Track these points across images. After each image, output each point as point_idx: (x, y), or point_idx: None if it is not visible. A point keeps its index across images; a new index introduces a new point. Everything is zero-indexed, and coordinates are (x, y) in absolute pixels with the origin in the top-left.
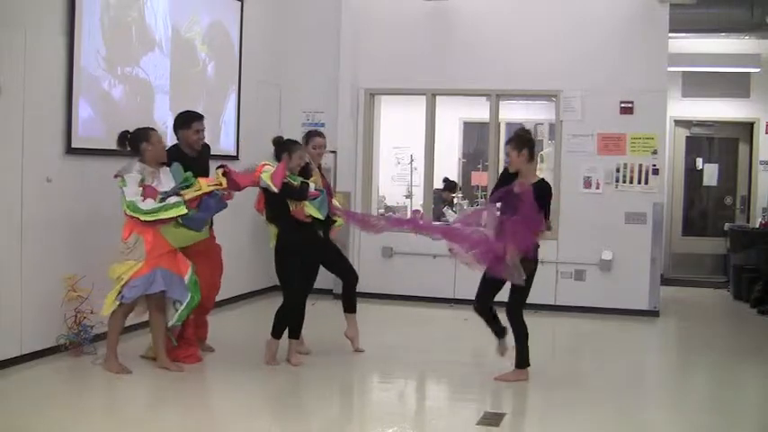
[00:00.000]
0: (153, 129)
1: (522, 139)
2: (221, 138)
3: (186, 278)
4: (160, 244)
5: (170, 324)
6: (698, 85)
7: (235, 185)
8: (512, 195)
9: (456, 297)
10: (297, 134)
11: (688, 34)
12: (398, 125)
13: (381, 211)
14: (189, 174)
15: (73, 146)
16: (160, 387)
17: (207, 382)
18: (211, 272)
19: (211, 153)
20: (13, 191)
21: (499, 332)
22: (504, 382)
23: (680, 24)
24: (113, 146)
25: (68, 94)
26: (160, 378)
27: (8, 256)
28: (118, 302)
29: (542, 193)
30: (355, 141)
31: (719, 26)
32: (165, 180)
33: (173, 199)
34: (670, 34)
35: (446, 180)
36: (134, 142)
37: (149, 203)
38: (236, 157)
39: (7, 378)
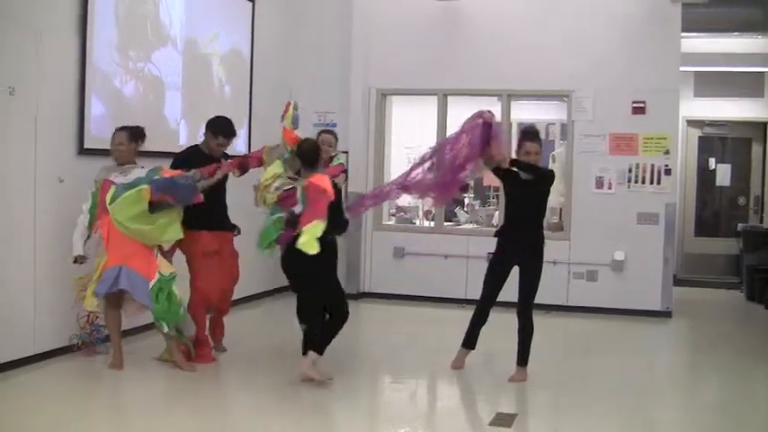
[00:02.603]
0: (118, 129)
1: (539, 137)
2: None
3: (150, 284)
4: (117, 236)
5: (164, 330)
6: (710, 84)
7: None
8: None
9: (467, 297)
10: (308, 134)
11: (700, 34)
12: (410, 125)
13: (393, 211)
14: (159, 166)
15: (85, 146)
16: (169, 387)
17: (218, 382)
18: (226, 277)
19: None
20: (26, 191)
21: (473, 343)
22: (515, 383)
23: (692, 24)
24: None
25: (81, 94)
26: (170, 379)
27: (21, 256)
28: (96, 302)
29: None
30: (367, 141)
31: (732, 25)
32: (134, 177)
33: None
34: (682, 34)
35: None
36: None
37: (77, 229)
38: None
39: (20, 377)
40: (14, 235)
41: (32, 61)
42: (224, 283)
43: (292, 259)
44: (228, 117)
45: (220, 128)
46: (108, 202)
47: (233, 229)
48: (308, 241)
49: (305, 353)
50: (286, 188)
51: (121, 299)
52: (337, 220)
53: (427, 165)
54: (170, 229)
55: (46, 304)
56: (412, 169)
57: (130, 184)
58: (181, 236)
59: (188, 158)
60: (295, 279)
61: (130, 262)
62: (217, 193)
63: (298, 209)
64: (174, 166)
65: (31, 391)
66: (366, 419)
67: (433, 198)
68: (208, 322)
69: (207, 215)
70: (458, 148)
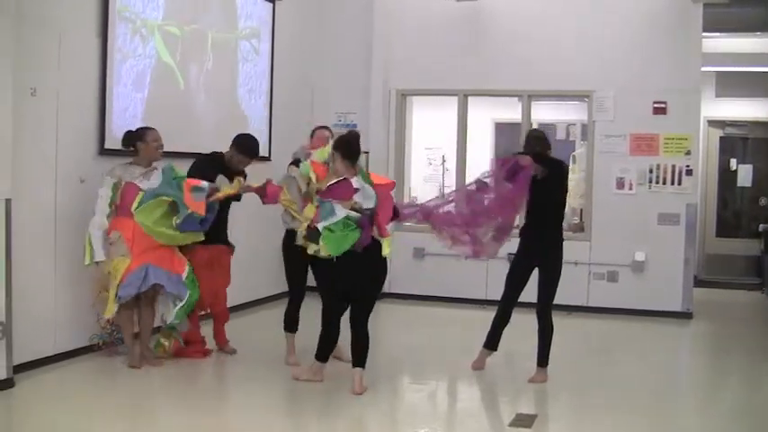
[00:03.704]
0: (151, 128)
1: (536, 142)
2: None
3: (184, 275)
4: (142, 238)
5: (169, 321)
6: (732, 84)
7: (264, 193)
8: (517, 166)
9: (487, 298)
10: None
11: (722, 34)
12: (430, 126)
13: None
14: (181, 172)
15: (106, 146)
16: (188, 387)
17: (238, 383)
18: (219, 281)
19: None
20: (47, 192)
21: (495, 344)
22: (535, 384)
23: (713, 24)
24: None
25: (101, 95)
26: (189, 379)
27: (42, 257)
28: (117, 304)
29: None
30: (387, 142)
31: (754, 25)
32: (155, 181)
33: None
34: (704, 34)
35: (478, 181)
36: (132, 141)
37: (96, 232)
38: (267, 158)
39: (39, 377)
40: (35, 235)
41: (54, 62)
42: (217, 287)
43: (374, 262)
44: (256, 138)
45: (244, 147)
46: (134, 207)
47: (228, 244)
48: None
49: (319, 357)
50: (331, 183)
51: (138, 302)
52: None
53: (460, 218)
54: (191, 232)
55: (66, 304)
56: (445, 204)
57: (156, 194)
58: (201, 238)
59: (206, 167)
60: (373, 282)
61: (155, 260)
62: (222, 208)
63: (367, 203)
64: (192, 171)
65: (51, 391)
66: (386, 420)
67: (471, 252)
68: (212, 329)
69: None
70: (497, 205)
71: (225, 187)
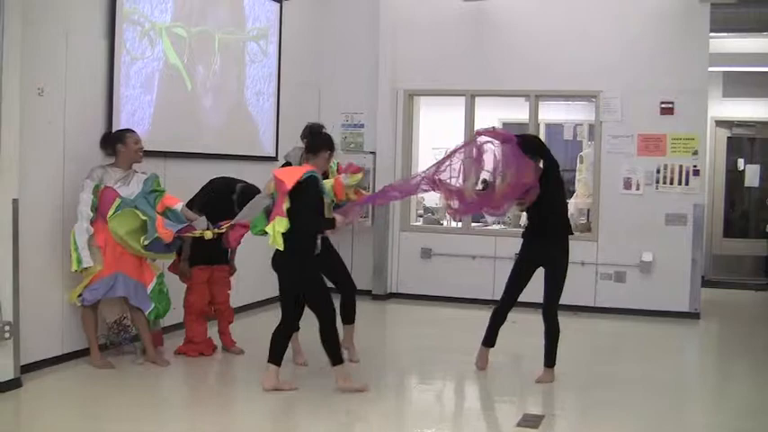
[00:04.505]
0: (131, 130)
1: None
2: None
3: (149, 288)
4: (113, 246)
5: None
6: (739, 84)
7: (227, 240)
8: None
9: (494, 298)
10: (336, 135)
11: (729, 33)
12: (437, 126)
13: (420, 212)
14: (161, 188)
15: None
16: (199, 387)
17: (244, 384)
18: (216, 288)
19: (250, 154)
20: (55, 192)
21: (493, 341)
22: (542, 384)
23: (720, 24)
24: (151, 147)
25: (108, 95)
26: (198, 378)
27: (50, 257)
28: (79, 303)
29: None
30: (394, 142)
31: (761, 25)
32: (134, 186)
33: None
34: (711, 34)
35: (484, 181)
36: (111, 143)
37: (82, 238)
38: (274, 158)
39: (46, 377)
40: (42, 236)
41: (61, 62)
42: (215, 296)
43: (275, 256)
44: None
45: (242, 203)
46: (110, 213)
47: (228, 263)
48: (272, 236)
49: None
50: None
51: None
52: (302, 217)
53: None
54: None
55: (73, 304)
56: (444, 160)
57: (133, 205)
58: (171, 257)
59: (212, 199)
60: (279, 278)
61: (125, 269)
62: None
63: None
64: (202, 196)
65: (58, 392)
66: (393, 420)
67: (461, 208)
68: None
69: (203, 251)
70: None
71: (200, 229)
